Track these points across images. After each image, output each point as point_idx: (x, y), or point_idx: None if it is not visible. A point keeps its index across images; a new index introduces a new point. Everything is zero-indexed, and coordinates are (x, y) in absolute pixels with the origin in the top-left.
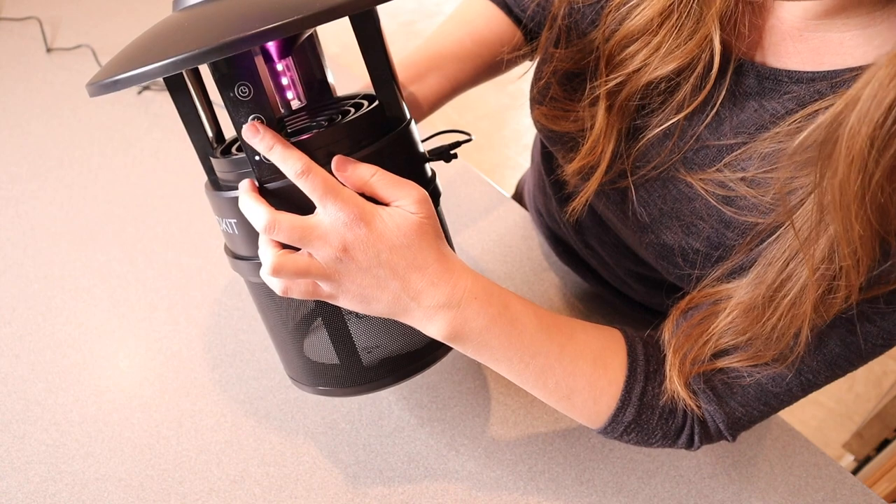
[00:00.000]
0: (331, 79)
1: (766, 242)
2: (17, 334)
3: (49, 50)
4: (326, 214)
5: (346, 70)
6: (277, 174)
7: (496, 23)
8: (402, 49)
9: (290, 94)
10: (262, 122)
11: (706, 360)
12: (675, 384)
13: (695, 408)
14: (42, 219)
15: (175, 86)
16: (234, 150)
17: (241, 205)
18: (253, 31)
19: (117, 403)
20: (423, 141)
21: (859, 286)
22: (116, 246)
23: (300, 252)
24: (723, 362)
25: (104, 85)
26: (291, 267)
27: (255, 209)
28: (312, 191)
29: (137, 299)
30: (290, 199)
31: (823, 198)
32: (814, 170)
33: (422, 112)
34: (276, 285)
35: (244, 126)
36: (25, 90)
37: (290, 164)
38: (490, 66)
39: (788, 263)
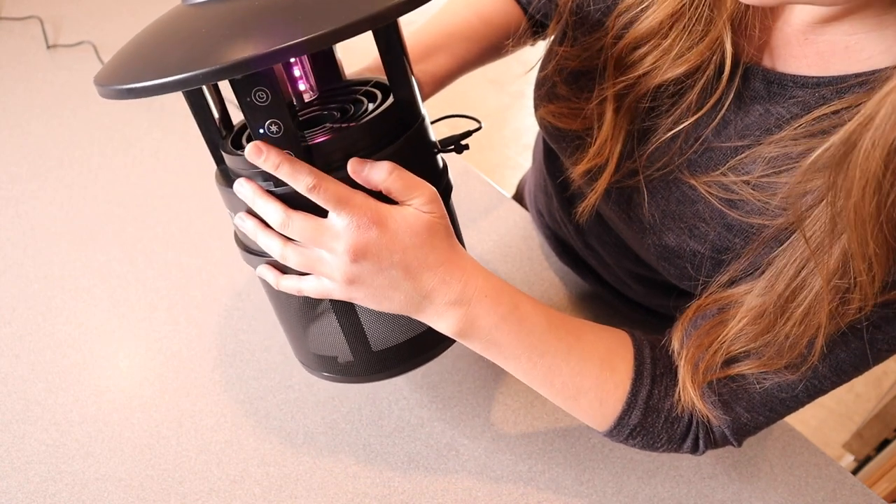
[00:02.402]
0: (338, 54)
1: (775, 251)
2: (17, 334)
3: (50, 46)
4: (340, 220)
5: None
6: None
7: (501, 3)
8: None
9: (302, 86)
10: (280, 126)
11: (718, 367)
12: (689, 393)
13: (709, 415)
14: (42, 219)
15: None
16: (244, 140)
17: (256, 206)
18: (286, 44)
19: (117, 403)
20: (430, 123)
21: (874, 296)
22: (116, 246)
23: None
24: (734, 369)
25: (118, 91)
26: (303, 261)
27: (269, 208)
28: (325, 203)
29: (137, 299)
30: (305, 204)
31: (835, 209)
32: (824, 180)
33: (424, 93)
34: (291, 287)
35: (247, 148)
36: (26, 90)
37: (300, 180)
38: (495, 47)
39: (800, 272)
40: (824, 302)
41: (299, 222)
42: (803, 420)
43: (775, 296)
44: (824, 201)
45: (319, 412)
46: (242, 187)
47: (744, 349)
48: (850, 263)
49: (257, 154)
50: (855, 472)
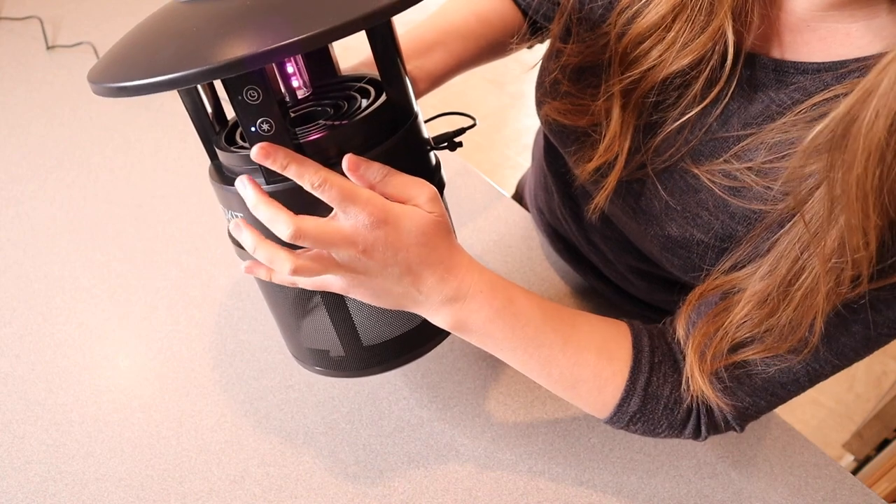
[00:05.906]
0: (333, 50)
1: (776, 234)
2: (17, 334)
3: (50, 47)
4: (347, 218)
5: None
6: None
7: (499, 4)
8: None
9: (296, 83)
10: (272, 125)
11: (724, 354)
12: (698, 382)
13: (718, 402)
14: (42, 219)
15: None
16: (237, 136)
17: (258, 213)
18: (278, 45)
19: (117, 403)
20: (425, 122)
21: (869, 276)
22: (116, 246)
23: (318, 251)
24: (740, 355)
25: (110, 88)
26: (316, 269)
27: (276, 218)
28: (331, 200)
29: (137, 299)
30: (299, 199)
31: (833, 190)
32: (823, 161)
33: (419, 90)
34: (286, 280)
35: (254, 149)
36: (26, 90)
37: (307, 178)
38: (493, 47)
39: (801, 255)
40: (822, 284)
41: (311, 229)
42: (803, 420)
43: (778, 279)
44: (822, 188)
45: (319, 412)
46: (254, 206)
47: (749, 335)
48: (847, 242)
49: (264, 156)
50: (855, 472)
